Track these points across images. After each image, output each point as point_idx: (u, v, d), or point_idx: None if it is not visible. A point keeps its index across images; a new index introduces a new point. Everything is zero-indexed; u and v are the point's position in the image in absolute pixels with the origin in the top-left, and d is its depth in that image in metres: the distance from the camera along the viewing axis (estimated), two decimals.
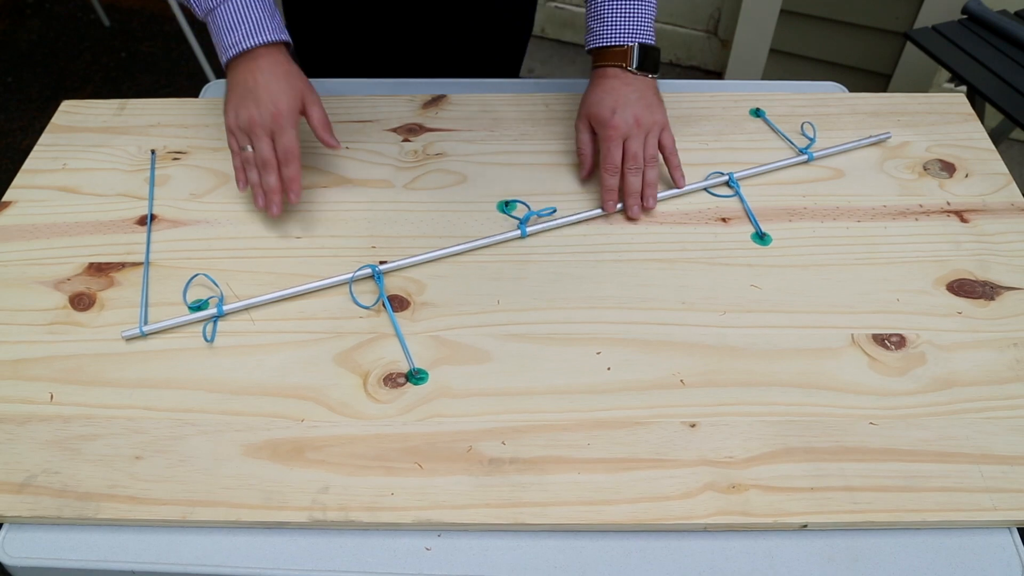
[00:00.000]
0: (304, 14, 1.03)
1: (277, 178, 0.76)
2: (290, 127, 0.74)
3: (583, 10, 0.85)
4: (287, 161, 0.75)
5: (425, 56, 1.05)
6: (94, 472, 0.61)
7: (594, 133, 0.83)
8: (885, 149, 0.87)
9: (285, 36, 0.76)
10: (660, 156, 0.82)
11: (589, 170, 0.84)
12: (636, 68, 0.80)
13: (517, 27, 1.07)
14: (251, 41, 0.74)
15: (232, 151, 0.78)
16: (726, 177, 0.83)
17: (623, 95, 0.80)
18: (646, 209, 0.81)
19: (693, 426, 0.63)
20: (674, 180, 0.83)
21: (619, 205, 0.81)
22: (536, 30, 2.30)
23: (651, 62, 0.81)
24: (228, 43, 0.74)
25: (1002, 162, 0.85)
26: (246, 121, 0.75)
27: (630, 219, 0.81)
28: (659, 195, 0.81)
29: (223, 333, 0.70)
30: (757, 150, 0.87)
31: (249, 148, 0.76)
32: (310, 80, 0.78)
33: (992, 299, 0.73)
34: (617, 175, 0.80)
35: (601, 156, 0.81)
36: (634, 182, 0.80)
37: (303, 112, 0.77)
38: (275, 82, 0.74)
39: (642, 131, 0.80)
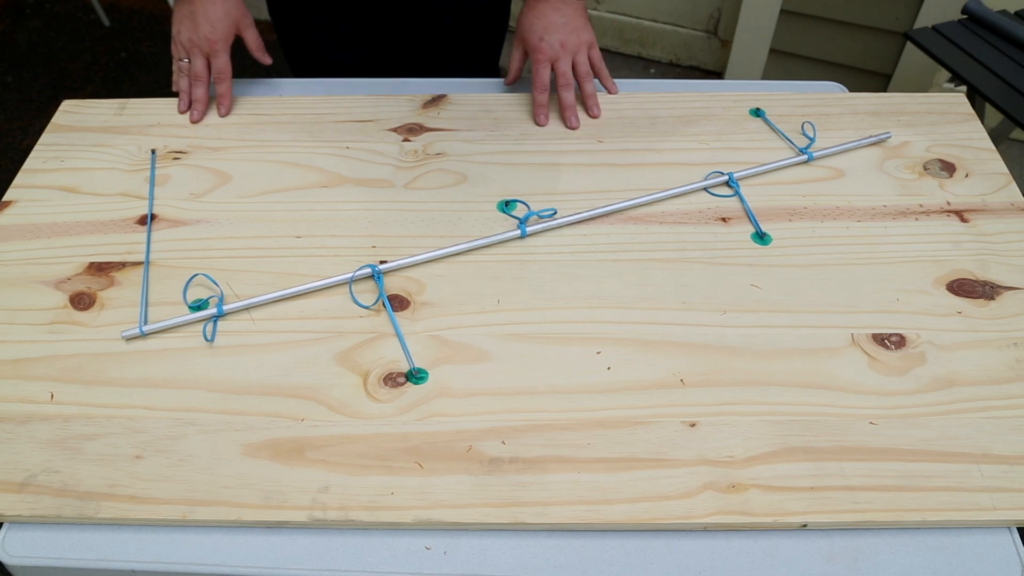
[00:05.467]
0: (287, 14, 1.06)
1: (205, 91, 0.89)
2: (223, 51, 0.87)
3: None
4: (220, 80, 0.88)
5: (404, 52, 1.08)
6: (94, 472, 0.61)
7: (527, 54, 0.93)
8: (885, 149, 0.87)
9: None
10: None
11: (511, 80, 0.97)
12: None
13: (492, 23, 1.11)
14: None
15: (174, 57, 0.90)
16: (726, 177, 0.83)
17: (551, 21, 0.90)
18: (593, 117, 0.91)
19: (693, 426, 0.63)
20: (607, 88, 0.94)
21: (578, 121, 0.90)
22: None
23: None
24: None
25: (1002, 162, 0.85)
26: (186, 40, 0.87)
27: (570, 128, 0.90)
28: (658, 195, 0.81)
29: (223, 333, 0.70)
30: (757, 150, 0.87)
31: (186, 60, 0.88)
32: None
33: (992, 299, 0.73)
34: (546, 92, 0.90)
35: (532, 77, 0.91)
36: (567, 96, 0.90)
37: (240, 35, 0.89)
38: (212, 7, 0.86)
39: (568, 53, 0.90)
